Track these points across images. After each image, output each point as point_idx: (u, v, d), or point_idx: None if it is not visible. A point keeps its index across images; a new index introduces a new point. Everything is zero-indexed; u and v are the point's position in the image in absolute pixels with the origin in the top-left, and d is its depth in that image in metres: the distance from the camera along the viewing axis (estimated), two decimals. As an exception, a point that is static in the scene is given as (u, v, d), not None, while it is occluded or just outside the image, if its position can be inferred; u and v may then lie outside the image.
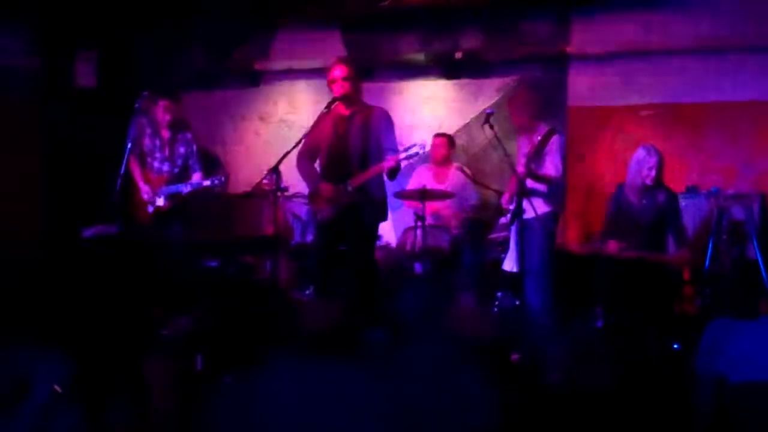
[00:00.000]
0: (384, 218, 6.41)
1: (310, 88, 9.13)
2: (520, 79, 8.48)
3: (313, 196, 6.39)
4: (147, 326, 5.56)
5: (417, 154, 5.95)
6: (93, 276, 6.59)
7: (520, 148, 6.82)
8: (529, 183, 6.44)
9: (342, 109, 6.17)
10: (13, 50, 8.35)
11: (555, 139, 6.52)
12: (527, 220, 6.50)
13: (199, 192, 7.21)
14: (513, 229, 6.72)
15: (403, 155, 5.91)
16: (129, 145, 6.58)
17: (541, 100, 6.94)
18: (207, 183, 7.07)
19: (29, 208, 8.16)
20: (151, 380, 4.42)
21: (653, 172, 6.41)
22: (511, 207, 6.68)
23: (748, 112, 7.80)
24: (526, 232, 6.56)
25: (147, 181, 7.12)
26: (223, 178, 7.19)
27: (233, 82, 9.58)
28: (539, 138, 6.49)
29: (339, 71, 6.15)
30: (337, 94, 6.11)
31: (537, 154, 6.44)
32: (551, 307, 6.56)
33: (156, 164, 7.19)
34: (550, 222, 6.69)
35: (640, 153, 6.58)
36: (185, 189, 7.07)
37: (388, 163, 5.90)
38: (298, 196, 7.85)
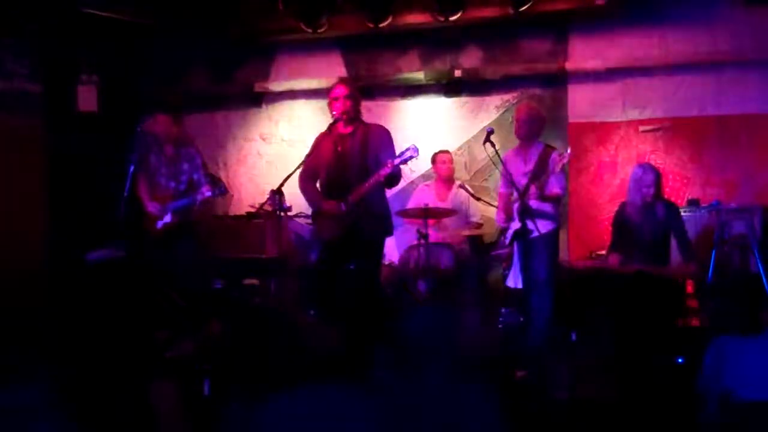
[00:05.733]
0: (390, 233, 6.41)
1: (311, 108, 9.16)
2: (521, 95, 8.51)
3: (316, 216, 6.41)
4: (152, 349, 5.57)
5: (411, 158, 5.95)
6: (97, 299, 6.61)
7: (511, 164, 6.77)
8: (535, 204, 6.45)
9: (342, 128, 6.20)
10: (16, 74, 8.38)
11: (555, 157, 6.55)
12: (530, 238, 6.51)
13: (204, 207, 7.27)
14: (515, 246, 6.74)
15: (397, 161, 5.92)
16: (132, 168, 6.60)
17: (545, 117, 6.98)
18: (208, 194, 7.10)
19: (34, 231, 8.17)
20: (157, 404, 4.43)
21: (651, 190, 6.45)
22: (511, 225, 6.69)
23: (748, 126, 7.82)
24: (529, 250, 6.57)
25: (154, 199, 7.17)
26: (223, 188, 7.23)
27: (235, 103, 9.60)
28: (538, 157, 6.53)
29: (340, 90, 6.21)
30: (337, 113, 6.14)
31: (542, 174, 6.47)
32: (555, 323, 6.57)
33: (162, 181, 7.24)
34: (553, 239, 6.71)
35: (637, 172, 6.63)
36: (190, 201, 7.11)
37: (385, 170, 5.90)
38: (300, 216, 7.87)
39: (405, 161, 5.97)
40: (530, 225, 6.38)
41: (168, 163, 7.27)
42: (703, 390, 4.10)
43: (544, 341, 6.48)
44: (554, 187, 6.50)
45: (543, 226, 6.45)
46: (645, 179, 6.49)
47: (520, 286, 6.80)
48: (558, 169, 6.46)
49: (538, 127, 6.77)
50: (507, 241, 6.82)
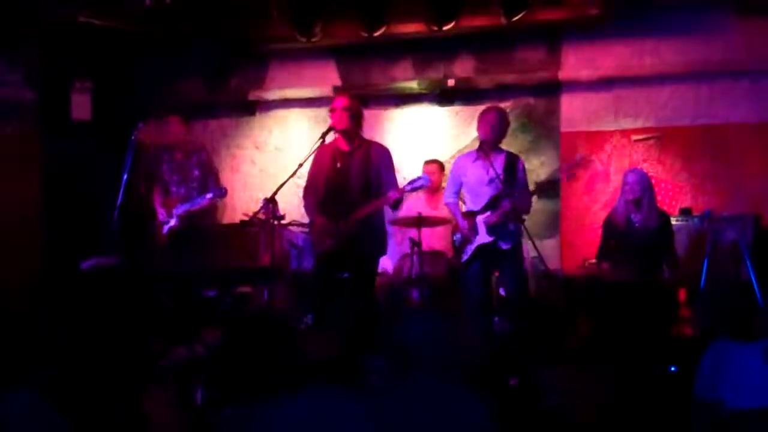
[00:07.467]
0: (384, 252, 6.47)
1: (305, 117, 9.16)
2: (513, 105, 8.51)
3: (312, 228, 6.44)
4: (146, 357, 5.57)
5: (422, 186, 6.03)
6: (92, 308, 6.60)
7: (468, 172, 6.65)
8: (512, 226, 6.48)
9: (341, 144, 6.23)
10: (10, 82, 8.37)
11: (521, 167, 6.57)
12: (501, 253, 6.50)
13: (207, 211, 7.29)
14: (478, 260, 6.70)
15: (408, 188, 5.98)
16: (125, 176, 6.59)
17: (508, 124, 6.85)
18: (209, 195, 7.12)
19: (28, 239, 8.15)
20: (151, 411, 4.43)
21: (636, 187, 6.48)
22: (475, 240, 6.63)
23: (741, 135, 7.85)
24: (500, 265, 6.59)
25: (164, 206, 7.21)
26: (222, 190, 7.23)
27: (228, 111, 9.60)
28: (504, 165, 6.50)
29: (340, 102, 6.24)
30: (334, 123, 6.16)
31: (513, 186, 6.44)
32: (547, 331, 6.57)
33: (173, 189, 7.27)
34: (521, 251, 6.71)
35: (624, 175, 6.68)
36: (193, 205, 7.12)
37: (393, 195, 5.97)
38: (294, 224, 7.87)
39: (415, 189, 6.06)
40: (502, 244, 6.40)
41: (177, 168, 7.29)
42: (698, 396, 4.10)
43: (534, 348, 6.48)
44: (521, 202, 6.48)
45: (510, 240, 6.48)
46: (628, 179, 6.56)
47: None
48: (523, 179, 6.49)
49: (500, 130, 6.69)
50: (466, 257, 6.66)
